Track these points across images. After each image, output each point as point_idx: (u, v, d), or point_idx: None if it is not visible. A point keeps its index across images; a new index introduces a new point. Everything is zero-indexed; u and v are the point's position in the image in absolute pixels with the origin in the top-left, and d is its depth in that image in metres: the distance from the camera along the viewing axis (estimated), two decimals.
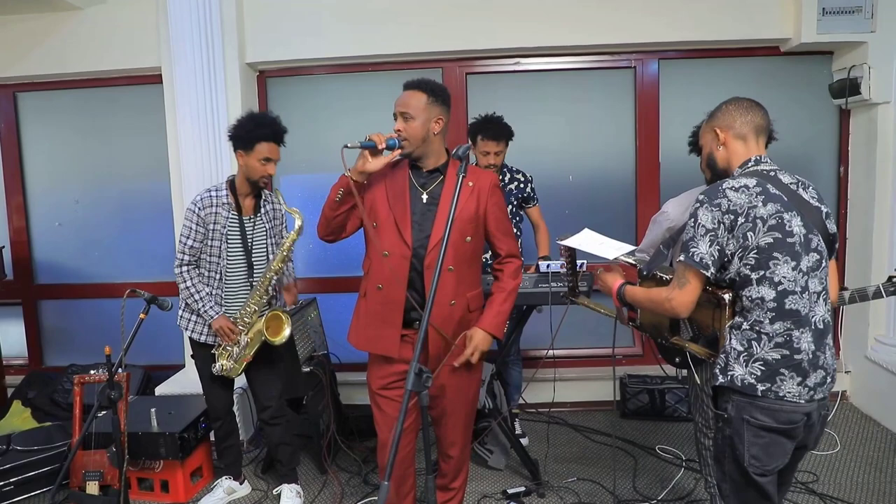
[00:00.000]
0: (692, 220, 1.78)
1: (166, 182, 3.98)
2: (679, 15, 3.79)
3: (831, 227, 1.84)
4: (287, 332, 2.89)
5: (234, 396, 3.21)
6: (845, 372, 4.01)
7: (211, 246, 2.83)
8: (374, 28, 3.87)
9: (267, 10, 3.89)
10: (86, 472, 2.89)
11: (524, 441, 3.54)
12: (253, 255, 2.89)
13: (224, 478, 3.19)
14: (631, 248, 2.26)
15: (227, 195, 2.84)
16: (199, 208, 2.80)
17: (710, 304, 1.83)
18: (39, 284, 4.46)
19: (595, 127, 4.16)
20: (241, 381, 3.15)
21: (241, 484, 3.22)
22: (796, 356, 1.72)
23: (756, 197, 1.73)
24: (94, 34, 3.95)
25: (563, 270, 2.53)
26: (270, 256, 2.92)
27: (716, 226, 1.74)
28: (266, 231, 2.92)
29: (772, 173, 1.82)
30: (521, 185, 3.50)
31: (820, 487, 3.04)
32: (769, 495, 1.79)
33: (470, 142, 3.36)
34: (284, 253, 2.85)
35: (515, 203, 3.50)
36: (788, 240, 1.72)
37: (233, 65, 3.80)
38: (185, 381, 3.77)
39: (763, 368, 1.73)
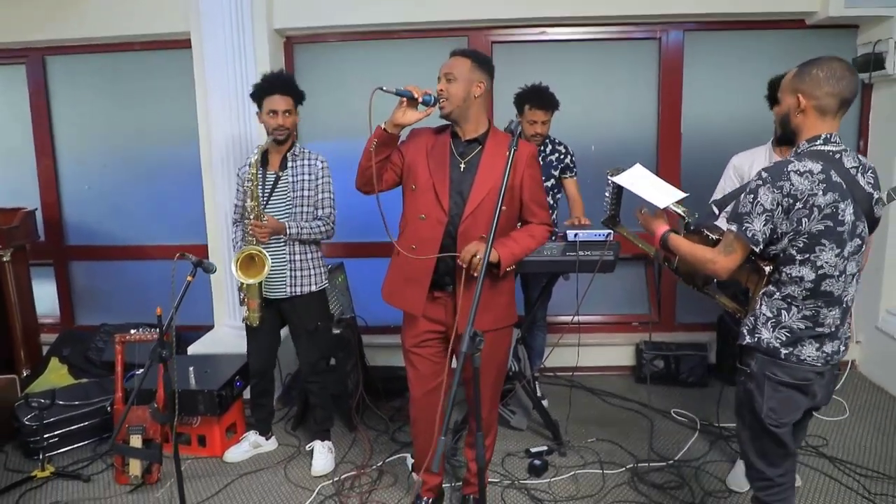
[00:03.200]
0: (751, 195, 1.81)
1: (194, 146, 4.04)
2: None
3: (878, 212, 1.88)
4: (265, 270, 2.88)
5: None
6: (856, 342, 4.12)
7: (244, 200, 2.99)
8: None
9: None
10: (129, 427, 3.02)
11: (544, 403, 3.68)
12: (268, 207, 2.99)
13: (251, 432, 3.34)
14: (682, 194, 2.21)
15: (258, 153, 3.00)
16: (238, 169, 3.09)
17: (748, 268, 1.91)
18: (70, 245, 4.57)
19: (618, 97, 4.20)
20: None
21: (267, 440, 3.37)
22: (818, 328, 1.85)
23: (818, 185, 1.75)
24: None
25: (607, 199, 2.43)
26: (297, 209, 3.02)
27: (774, 207, 1.78)
28: (290, 184, 3.01)
29: (837, 155, 1.81)
30: (562, 157, 3.55)
31: (829, 451, 3.17)
32: (785, 444, 1.94)
33: (517, 111, 3.41)
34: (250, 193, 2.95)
35: (556, 174, 3.55)
36: (839, 228, 1.78)
37: (261, 30, 3.83)
38: (216, 341, 3.90)
39: (788, 335, 1.85)
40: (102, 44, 4.19)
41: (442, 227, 2.33)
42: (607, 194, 2.41)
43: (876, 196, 1.87)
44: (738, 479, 2.89)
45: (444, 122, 2.41)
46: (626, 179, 2.27)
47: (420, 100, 2.23)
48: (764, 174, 1.80)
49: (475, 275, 2.18)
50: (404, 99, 2.23)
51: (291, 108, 2.98)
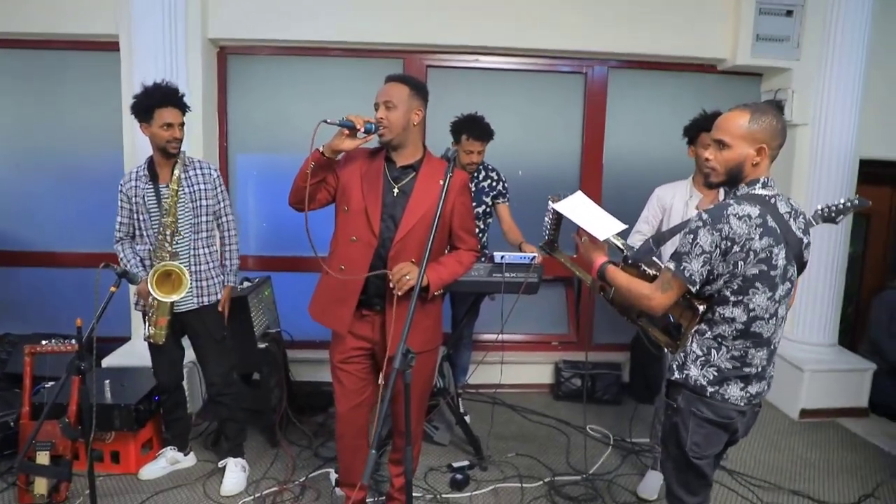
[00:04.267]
0: (691, 236, 1.83)
1: (118, 153, 3.91)
2: (630, 28, 4.06)
3: (806, 255, 1.94)
4: (182, 288, 2.82)
5: (185, 371, 3.26)
6: None
7: (139, 218, 2.95)
8: (339, 14, 3.93)
9: None
10: (37, 443, 2.87)
11: (467, 419, 3.77)
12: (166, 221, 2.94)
13: (168, 448, 3.25)
14: (623, 226, 2.23)
15: (144, 168, 2.95)
16: (121, 184, 3.01)
17: (682, 304, 1.96)
18: None
19: (546, 126, 4.40)
20: (191, 355, 3.20)
21: (185, 455, 3.28)
22: (746, 369, 1.91)
23: (755, 229, 1.79)
24: None
25: (547, 224, 2.43)
26: (196, 220, 2.97)
27: (712, 249, 1.80)
28: (187, 196, 2.95)
29: (772, 200, 1.86)
30: (494, 183, 3.67)
31: (729, 464, 3.42)
32: (706, 475, 2.03)
33: (453, 138, 3.50)
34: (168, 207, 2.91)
35: (488, 201, 3.66)
36: (771, 272, 1.83)
37: (194, 38, 3.79)
38: (133, 353, 3.76)
39: (716, 374, 1.92)
40: (21, 39, 4.00)
41: (372, 251, 2.38)
42: (547, 219, 2.42)
43: (806, 241, 1.93)
44: (647, 488, 3.09)
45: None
46: (567, 207, 2.26)
47: (362, 129, 2.27)
48: (704, 216, 1.82)
49: (400, 294, 2.25)
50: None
51: (182, 120, 2.94)
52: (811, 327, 4.21)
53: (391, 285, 2.29)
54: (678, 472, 2.05)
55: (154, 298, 2.84)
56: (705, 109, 2.99)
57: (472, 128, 3.44)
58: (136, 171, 2.98)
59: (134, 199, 2.94)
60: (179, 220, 2.93)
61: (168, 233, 2.89)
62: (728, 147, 1.87)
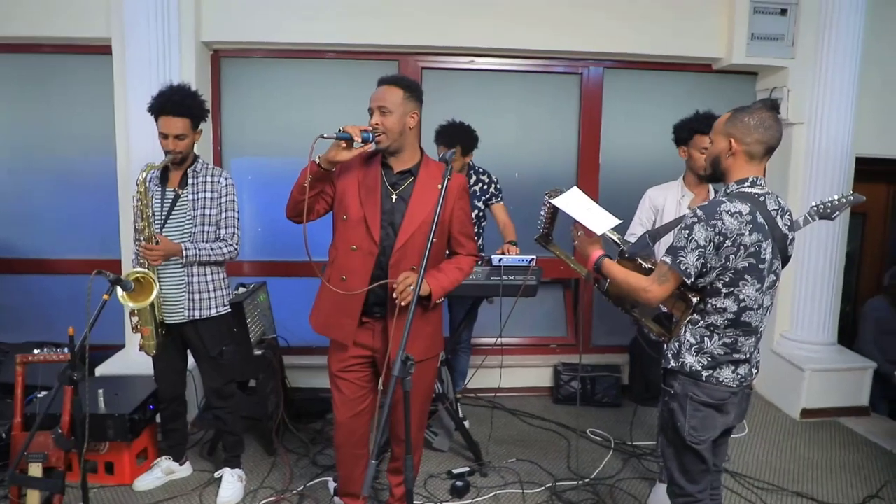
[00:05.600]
0: (686, 231, 1.94)
1: (111, 157, 3.87)
2: (625, 28, 4.05)
3: (790, 250, 2.07)
4: (152, 294, 2.69)
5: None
6: None
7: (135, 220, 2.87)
8: (333, 17, 3.89)
9: None
10: (29, 454, 2.82)
11: (466, 424, 3.73)
12: (167, 227, 2.87)
13: (163, 458, 3.20)
14: (618, 221, 2.29)
15: (145, 170, 2.84)
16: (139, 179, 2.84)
17: (675, 296, 2.06)
18: None
19: (542, 127, 4.38)
20: (192, 364, 3.16)
21: (181, 465, 3.23)
22: (736, 354, 2.03)
23: (746, 225, 1.90)
24: None
25: (542, 218, 2.49)
26: (198, 228, 2.90)
27: (706, 244, 1.91)
28: (190, 202, 2.89)
29: (761, 198, 1.98)
30: (485, 186, 3.64)
31: (731, 466, 3.39)
32: (705, 460, 2.09)
33: (444, 145, 3.47)
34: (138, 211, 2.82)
35: (481, 205, 3.63)
36: (760, 266, 1.95)
37: (188, 42, 3.75)
38: (127, 362, 3.71)
39: (709, 359, 2.03)
40: (13, 43, 3.95)
41: (373, 259, 2.33)
42: (543, 213, 2.47)
43: (790, 237, 2.04)
44: (658, 499, 3.01)
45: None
46: (564, 202, 2.32)
47: (359, 139, 2.22)
48: (699, 212, 1.93)
49: (403, 304, 2.20)
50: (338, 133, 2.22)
51: (186, 130, 2.81)
52: (810, 326, 4.19)
53: (394, 296, 2.21)
54: (678, 458, 2.12)
55: (130, 306, 2.77)
56: (698, 110, 2.98)
57: (449, 137, 3.41)
58: (153, 172, 2.90)
59: (149, 200, 2.84)
60: (177, 228, 2.87)
61: (142, 238, 2.80)
62: (712, 143, 2.09)
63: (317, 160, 2.26)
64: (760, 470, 3.39)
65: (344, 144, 2.23)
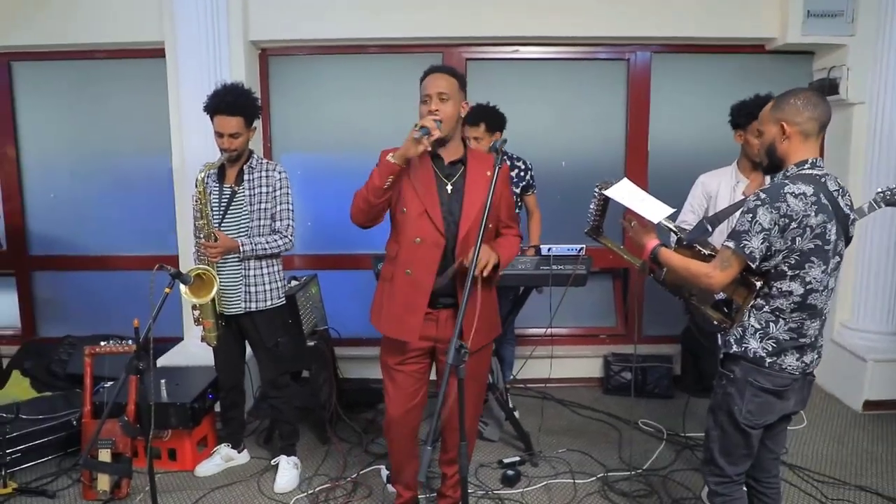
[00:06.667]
0: (750, 215, 1.91)
1: (166, 157, 4.01)
2: (672, 11, 3.95)
3: (852, 231, 2.04)
4: (213, 290, 2.82)
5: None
6: None
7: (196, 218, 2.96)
8: (377, 11, 3.93)
9: None
10: (98, 441, 2.96)
11: (516, 414, 3.73)
12: (224, 223, 2.94)
13: (223, 445, 3.31)
14: (671, 210, 2.28)
15: (203, 170, 2.91)
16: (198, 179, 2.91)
17: (737, 281, 2.00)
18: (33, 255, 4.45)
19: (588, 115, 4.32)
20: (248, 356, 3.26)
21: (239, 453, 3.34)
22: (801, 339, 1.99)
23: (811, 206, 1.88)
24: (95, 5, 3.92)
25: (592, 210, 2.47)
26: (255, 223, 2.97)
27: (771, 226, 1.89)
28: (247, 198, 2.95)
29: (822, 179, 1.95)
30: (522, 174, 3.63)
31: (790, 459, 3.30)
32: (751, 446, 2.09)
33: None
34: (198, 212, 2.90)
35: (517, 191, 3.63)
36: (826, 247, 1.92)
37: (237, 42, 3.84)
38: (186, 354, 3.85)
39: (774, 346, 2.00)
40: (71, 50, 4.12)
41: (440, 250, 2.32)
42: (592, 206, 2.46)
43: (852, 217, 2.01)
44: None
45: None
46: (616, 193, 2.31)
47: (436, 131, 2.18)
48: (762, 195, 1.91)
49: (486, 275, 2.23)
50: (415, 130, 2.17)
51: (240, 128, 2.88)
52: (872, 315, 4.03)
53: (475, 272, 2.06)
54: (724, 440, 2.11)
55: (193, 301, 2.88)
56: (758, 94, 2.88)
57: (473, 116, 3.36)
58: (198, 173, 2.95)
59: (210, 196, 2.94)
60: (235, 224, 2.95)
61: (202, 235, 2.91)
62: (762, 133, 2.07)
63: (391, 159, 2.20)
64: (821, 463, 3.29)
65: (416, 138, 2.16)
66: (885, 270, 3.98)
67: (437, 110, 2.25)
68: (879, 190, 2.50)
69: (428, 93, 2.30)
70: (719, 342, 2.93)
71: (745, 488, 2.22)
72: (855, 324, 4.09)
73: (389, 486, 2.92)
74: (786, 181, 1.93)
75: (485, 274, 2.23)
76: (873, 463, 3.32)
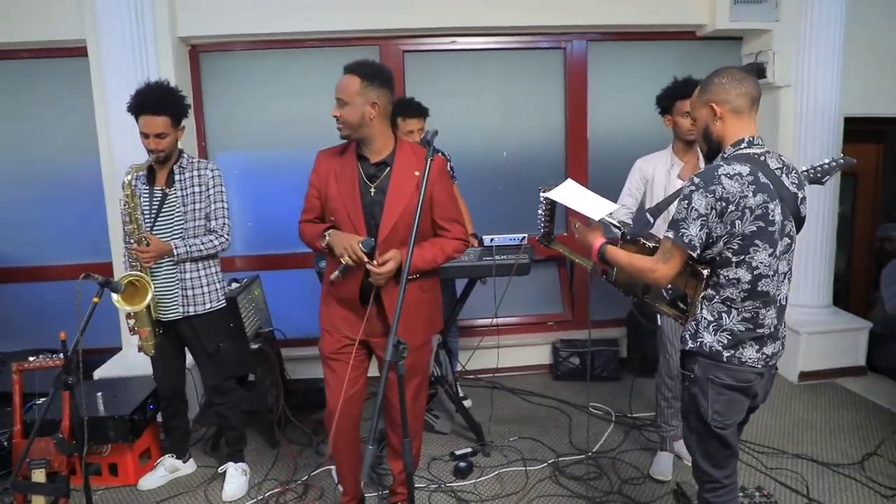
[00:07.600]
0: (686, 202, 1.85)
1: (96, 161, 3.84)
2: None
3: (804, 210, 1.95)
4: (147, 296, 2.74)
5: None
6: None
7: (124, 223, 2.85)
8: (310, 4, 3.84)
9: None
10: (31, 461, 2.83)
11: (467, 403, 3.75)
12: (157, 225, 2.85)
13: (167, 456, 3.21)
14: (615, 206, 2.25)
15: (130, 172, 2.81)
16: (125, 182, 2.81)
17: (687, 273, 1.96)
18: None
19: (528, 105, 4.34)
20: (190, 362, 3.16)
21: (185, 462, 3.25)
22: (759, 329, 1.91)
23: (748, 187, 1.80)
24: (10, 2, 3.70)
25: (541, 216, 2.45)
26: (189, 224, 2.88)
27: (708, 211, 1.82)
28: (179, 199, 2.87)
29: (761, 157, 1.88)
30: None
31: None
32: (730, 445, 2.01)
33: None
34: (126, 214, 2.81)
35: None
36: (769, 228, 1.84)
37: (164, 38, 3.69)
38: (125, 364, 3.71)
39: (729, 338, 1.91)
40: None
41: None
42: (540, 211, 2.43)
43: (801, 195, 1.94)
44: (660, 469, 3.06)
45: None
46: (559, 194, 2.28)
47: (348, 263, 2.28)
48: (696, 179, 1.84)
49: (381, 283, 2.31)
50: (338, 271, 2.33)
51: (167, 128, 2.77)
52: (805, 289, 4.20)
53: (370, 280, 2.29)
54: (702, 445, 2.03)
55: (126, 310, 2.78)
56: (676, 77, 2.96)
57: (405, 107, 3.34)
58: (125, 176, 2.84)
59: (138, 199, 2.83)
60: (168, 227, 2.85)
61: (133, 240, 2.80)
62: (695, 120, 2.03)
63: (323, 244, 2.37)
64: (760, 434, 3.41)
65: (333, 279, 2.34)
66: (816, 247, 4.14)
67: (335, 115, 2.28)
68: (803, 168, 2.57)
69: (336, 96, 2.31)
70: (659, 322, 3.01)
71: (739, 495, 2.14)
72: (790, 299, 4.23)
73: (341, 487, 2.88)
74: (720, 163, 1.86)
75: (380, 274, 2.27)
76: (809, 431, 3.47)
